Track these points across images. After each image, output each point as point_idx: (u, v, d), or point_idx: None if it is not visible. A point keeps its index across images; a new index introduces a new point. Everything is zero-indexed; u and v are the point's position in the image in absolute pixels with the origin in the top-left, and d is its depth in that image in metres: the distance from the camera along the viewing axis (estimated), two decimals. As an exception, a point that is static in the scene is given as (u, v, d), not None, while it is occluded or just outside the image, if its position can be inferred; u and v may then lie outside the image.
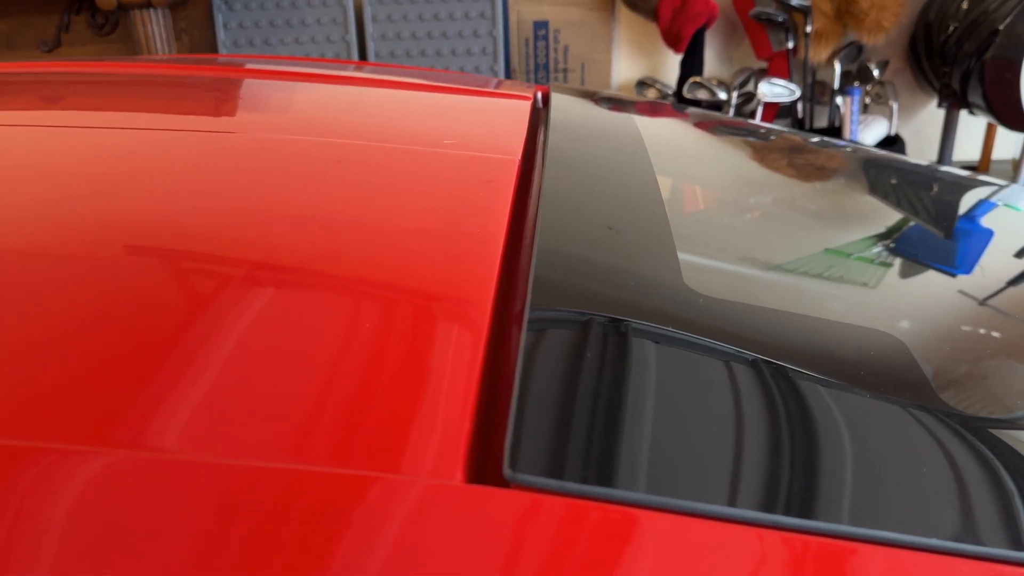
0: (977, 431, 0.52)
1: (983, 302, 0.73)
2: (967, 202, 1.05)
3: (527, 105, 1.04)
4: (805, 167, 1.15)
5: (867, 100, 3.42)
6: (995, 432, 0.53)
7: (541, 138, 0.90)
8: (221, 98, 1.07)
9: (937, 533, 0.41)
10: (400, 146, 0.81)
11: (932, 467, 0.47)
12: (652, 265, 0.65)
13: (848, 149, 1.29)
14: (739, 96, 3.45)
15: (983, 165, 3.67)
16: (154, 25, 3.01)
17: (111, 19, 3.11)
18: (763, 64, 3.56)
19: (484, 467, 0.42)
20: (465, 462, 0.41)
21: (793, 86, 3.19)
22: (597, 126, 1.07)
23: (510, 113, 1.01)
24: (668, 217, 0.73)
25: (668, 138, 1.14)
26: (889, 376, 0.56)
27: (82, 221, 0.61)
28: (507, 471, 0.40)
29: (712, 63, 3.64)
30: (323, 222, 0.63)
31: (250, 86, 1.17)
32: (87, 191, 0.66)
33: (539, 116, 1.01)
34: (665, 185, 0.84)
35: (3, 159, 0.72)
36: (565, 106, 1.07)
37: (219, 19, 3.24)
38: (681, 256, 0.66)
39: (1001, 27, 2.86)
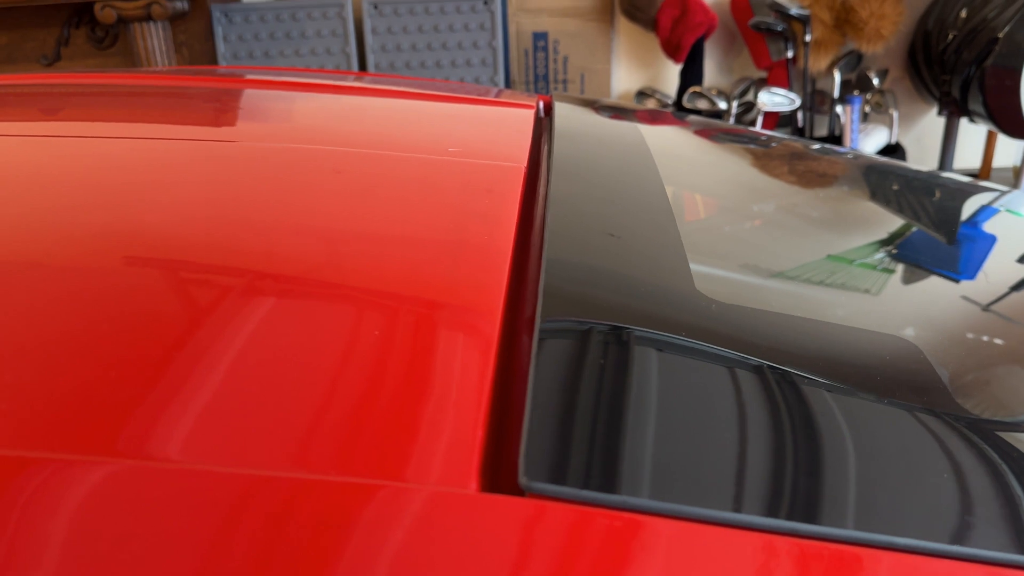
0: (989, 435, 0.52)
1: (998, 307, 0.72)
2: (977, 208, 1.04)
3: (530, 114, 1.03)
4: (814, 174, 1.14)
5: (867, 109, 3.43)
6: (1006, 436, 0.52)
7: (546, 146, 0.89)
8: (224, 109, 1.06)
9: (955, 539, 0.40)
10: (407, 155, 0.81)
11: (949, 473, 0.46)
12: (664, 272, 0.64)
13: (851, 156, 1.29)
14: (739, 106, 3.46)
15: (984, 173, 3.67)
16: (154, 38, 3.01)
17: (111, 32, 3.11)
18: (763, 74, 3.57)
19: (497, 476, 0.41)
20: (479, 470, 0.40)
21: (793, 95, 3.19)
22: (602, 133, 1.07)
23: (514, 122, 1.00)
24: (677, 224, 0.73)
25: (675, 146, 1.13)
26: (907, 382, 0.55)
27: (92, 230, 0.60)
28: (522, 479, 0.39)
29: (711, 73, 3.65)
30: (333, 231, 0.63)
31: (259, 97, 1.16)
32: (98, 201, 0.65)
33: (542, 125, 1.00)
34: (673, 192, 0.83)
35: (9, 169, 0.72)
36: (569, 114, 1.06)
37: (219, 32, 3.25)
38: (692, 264, 0.65)
39: (1000, 35, 2.87)
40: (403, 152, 0.82)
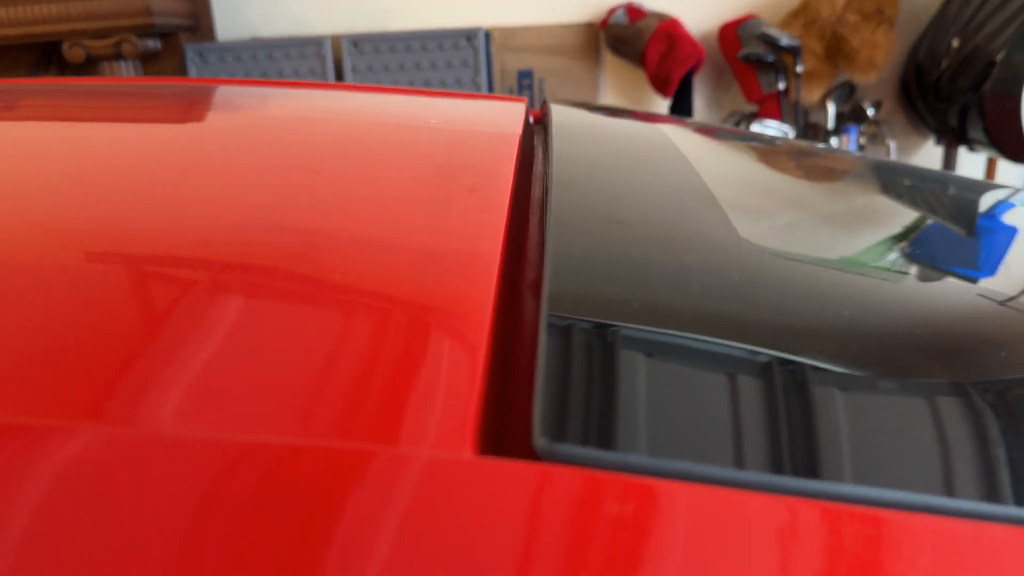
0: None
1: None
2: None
3: (521, 107, 1.00)
4: (834, 169, 1.08)
5: (862, 141, 3.35)
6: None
7: (544, 127, 0.87)
8: (194, 106, 1.03)
9: (989, 500, 0.36)
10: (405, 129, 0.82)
11: (983, 438, 0.41)
12: (695, 218, 0.58)
13: (860, 155, 1.22)
14: (731, 140, 3.38)
15: (982, 205, 3.59)
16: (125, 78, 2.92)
17: (80, 73, 3.01)
18: (753, 107, 3.50)
19: (498, 437, 0.35)
20: (476, 433, 0.34)
21: (786, 127, 3.11)
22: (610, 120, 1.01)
23: (504, 112, 0.98)
24: (697, 186, 0.67)
25: (698, 138, 1.07)
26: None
27: (90, 211, 0.56)
28: (539, 441, 0.32)
29: (701, 109, 3.58)
30: (332, 197, 0.59)
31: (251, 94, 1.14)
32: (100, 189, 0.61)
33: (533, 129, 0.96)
34: (692, 161, 0.74)
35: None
36: (566, 107, 1.01)
37: (192, 72, 3.15)
38: (721, 211, 0.60)
39: (997, 59, 2.80)
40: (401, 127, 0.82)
